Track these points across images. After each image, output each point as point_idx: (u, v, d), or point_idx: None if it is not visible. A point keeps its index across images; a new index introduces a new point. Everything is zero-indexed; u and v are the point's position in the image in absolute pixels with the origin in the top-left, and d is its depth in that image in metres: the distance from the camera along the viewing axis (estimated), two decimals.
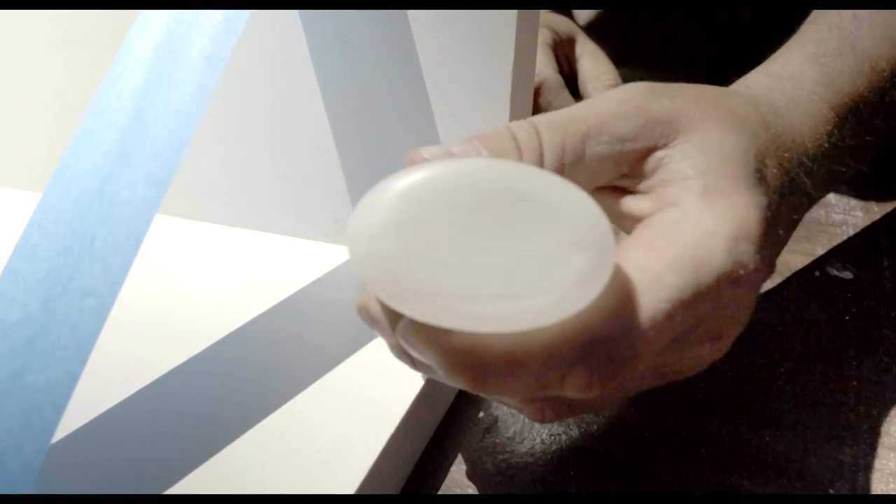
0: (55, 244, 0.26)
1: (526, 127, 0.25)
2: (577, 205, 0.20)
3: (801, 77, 0.30)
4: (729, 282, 0.22)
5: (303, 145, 0.36)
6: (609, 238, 0.20)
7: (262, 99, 0.36)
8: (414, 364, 0.24)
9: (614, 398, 0.27)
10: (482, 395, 0.23)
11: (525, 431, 0.31)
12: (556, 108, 0.47)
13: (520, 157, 0.24)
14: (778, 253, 0.27)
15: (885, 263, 0.41)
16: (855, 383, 0.34)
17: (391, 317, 0.23)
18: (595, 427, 0.32)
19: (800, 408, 0.33)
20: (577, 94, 0.53)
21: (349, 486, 0.26)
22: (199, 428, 0.29)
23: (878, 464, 0.31)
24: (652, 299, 0.21)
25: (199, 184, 0.39)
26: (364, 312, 0.25)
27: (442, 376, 0.22)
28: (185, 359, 0.32)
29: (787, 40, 0.33)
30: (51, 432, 0.23)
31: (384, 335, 0.25)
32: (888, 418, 0.32)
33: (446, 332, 0.21)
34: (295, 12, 0.34)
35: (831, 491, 0.29)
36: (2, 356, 0.24)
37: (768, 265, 0.25)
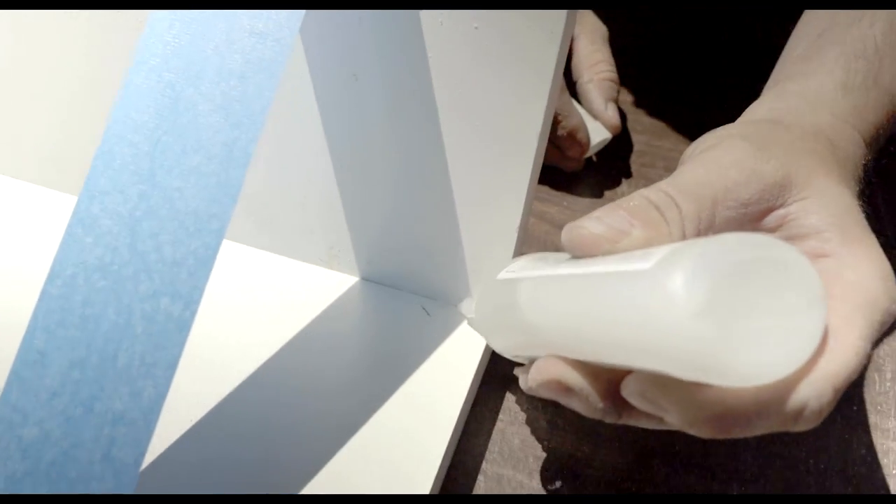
0: (66, 354, 0.25)
1: (663, 198, 0.26)
2: (798, 263, 0.22)
3: (835, 105, 0.32)
4: (891, 318, 0.25)
5: (299, 170, 0.36)
6: (824, 291, 0.22)
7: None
8: (619, 417, 0.26)
9: None
10: (711, 437, 0.25)
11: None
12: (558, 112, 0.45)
13: (667, 228, 0.26)
14: None
15: None
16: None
17: (595, 381, 0.26)
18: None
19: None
20: (569, 76, 0.50)
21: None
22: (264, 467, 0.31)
23: None
24: (857, 338, 0.24)
25: None
26: (553, 385, 0.26)
27: (667, 424, 0.24)
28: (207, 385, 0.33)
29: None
30: None
31: (578, 402, 0.26)
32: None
33: (696, 387, 0.22)
34: (301, 45, 0.31)
35: None
36: (25, 478, 0.24)
37: None
